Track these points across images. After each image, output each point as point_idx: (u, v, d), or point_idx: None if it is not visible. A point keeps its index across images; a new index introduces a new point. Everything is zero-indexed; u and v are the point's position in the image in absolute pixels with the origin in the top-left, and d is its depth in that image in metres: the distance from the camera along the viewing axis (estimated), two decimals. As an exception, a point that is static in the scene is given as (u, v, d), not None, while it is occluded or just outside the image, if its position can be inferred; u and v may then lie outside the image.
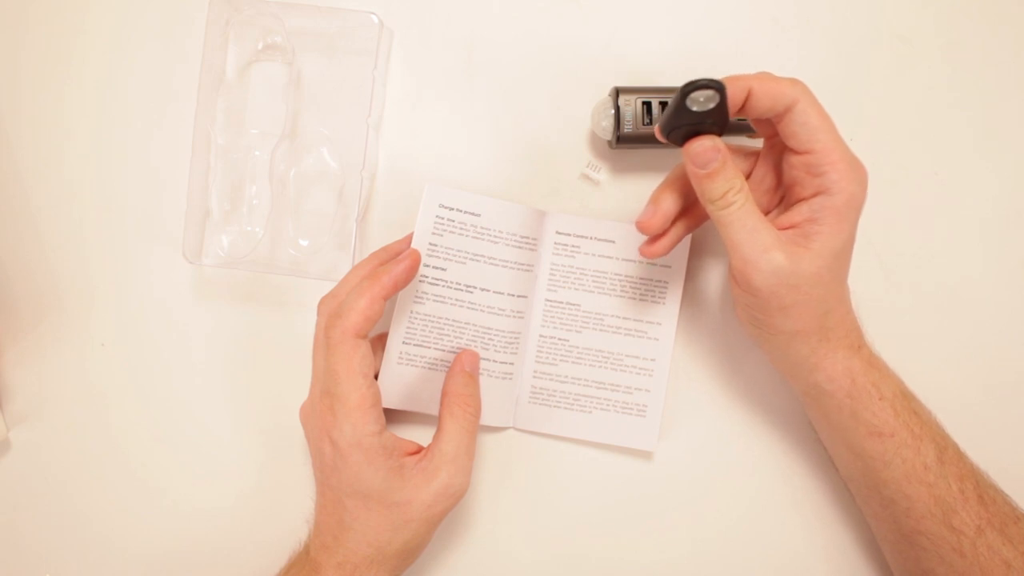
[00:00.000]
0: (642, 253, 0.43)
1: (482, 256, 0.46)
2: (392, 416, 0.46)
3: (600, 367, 0.48)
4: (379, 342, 0.46)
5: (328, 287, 0.44)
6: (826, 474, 0.48)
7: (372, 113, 0.47)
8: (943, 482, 0.40)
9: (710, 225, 0.46)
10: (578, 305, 0.48)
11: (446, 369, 0.46)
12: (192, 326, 0.50)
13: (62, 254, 0.50)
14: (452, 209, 0.45)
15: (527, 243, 0.47)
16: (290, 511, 0.48)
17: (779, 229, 0.39)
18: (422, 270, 0.45)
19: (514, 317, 0.47)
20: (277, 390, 0.49)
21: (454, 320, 0.46)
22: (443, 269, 0.45)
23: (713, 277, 0.49)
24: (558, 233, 0.48)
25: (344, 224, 0.48)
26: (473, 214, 0.45)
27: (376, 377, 0.45)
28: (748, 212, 0.37)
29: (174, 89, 0.50)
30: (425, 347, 0.46)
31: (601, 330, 0.48)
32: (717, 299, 0.49)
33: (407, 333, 0.45)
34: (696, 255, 0.49)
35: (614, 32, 0.49)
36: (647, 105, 0.45)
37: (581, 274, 0.48)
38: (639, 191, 0.49)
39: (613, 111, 0.46)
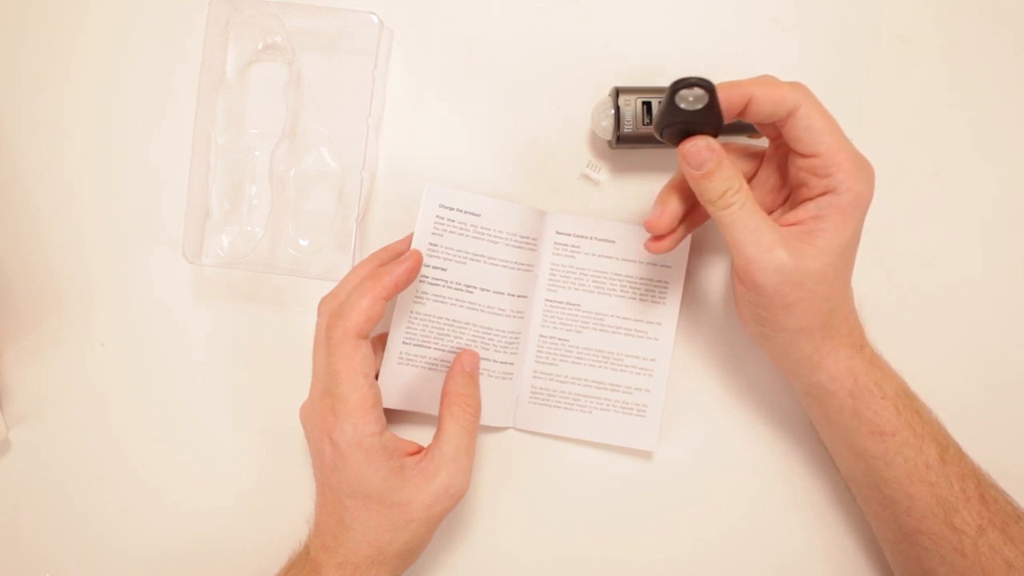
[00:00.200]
0: (647, 248, 0.43)
1: (482, 256, 0.46)
2: (392, 416, 0.46)
3: (600, 367, 0.48)
4: (379, 342, 0.46)
5: (328, 287, 0.44)
6: (826, 474, 0.48)
7: (372, 113, 0.47)
8: (945, 481, 0.40)
9: (709, 225, 0.46)
10: (578, 305, 0.48)
11: (446, 369, 0.46)
12: (192, 326, 0.50)
13: (62, 254, 0.50)
14: (452, 209, 0.45)
15: (527, 243, 0.47)
16: (290, 511, 0.48)
17: (784, 226, 0.39)
18: (422, 270, 0.45)
19: (514, 317, 0.47)
20: (277, 390, 0.49)
21: (454, 320, 0.46)
22: (443, 269, 0.45)
23: (713, 277, 0.49)
24: (558, 233, 0.48)
25: (344, 224, 0.48)
26: (473, 214, 0.45)
27: (376, 377, 0.45)
28: (749, 211, 0.37)
29: (174, 89, 0.50)
30: (425, 347, 0.46)
31: (601, 330, 0.48)
32: (717, 299, 0.49)
33: (407, 333, 0.45)
34: (696, 255, 0.49)
35: (614, 32, 0.49)
36: (647, 105, 0.45)
37: (581, 274, 0.48)
38: (639, 191, 0.49)
39: (613, 111, 0.46)
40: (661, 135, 0.38)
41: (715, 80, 0.36)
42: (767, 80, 0.38)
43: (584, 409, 0.48)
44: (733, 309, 0.49)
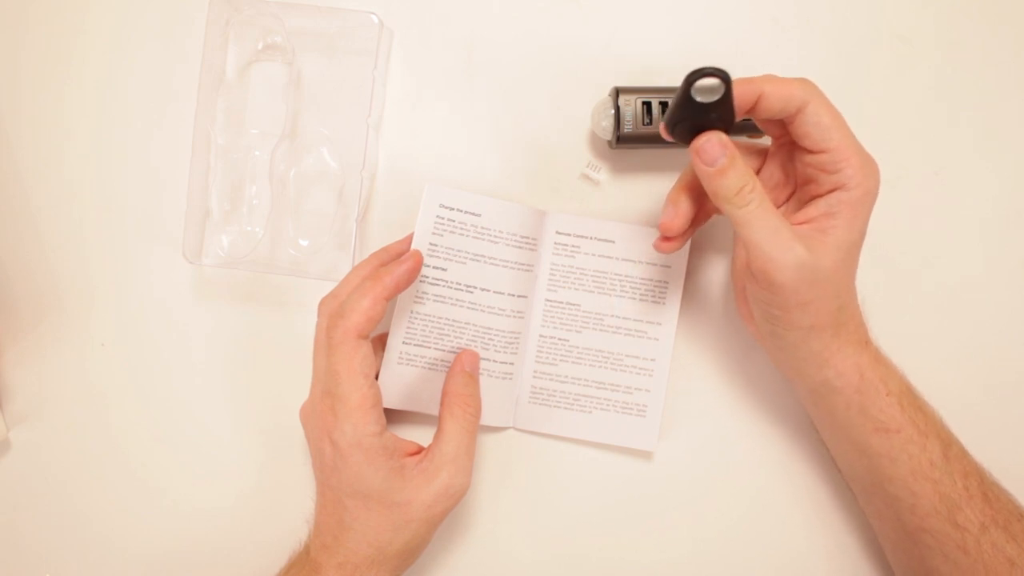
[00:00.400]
0: (657, 248, 0.43)
1: (482, 256, 0.46)
2: (392, 416, 0.46)
3: (600, 367, 0.48)
4: (379, 342, 0.46)
5: (328, 287, 0.44)
6: (827, 474, 0.48)
7: (372, 113, 0.47)
8: (948, 479, 0.40)
9: (709, 224, 0.46)
10: (578, 305, 0.48)
11: (446, 369, 0.46)
12: (192, 326, 0.50)
13: (62, 254, 0.50)
14: (452, 209, 0.45)
15: (527, 243, 0.47)
16: (290, 511, 0.48)
17: (795, 224, 0.39)
18: (422, 270, 0.45)
19: (514, 317, 0.47)
20: (277, 390, 0.49)
21: (454, 320, 0.46)
22: (443, 269, 0.45)
23: (713, 277, 0.49)
24: (558, 233, 0.48)
25: (344, 224, 0.48)
26: (473, 214, 0.45)
27: (376, 377, 0.45)
28: (766, 210, 0.37)
29: (174, 89, 0.50)
30: (425, 347, 0.46)
31: (601, 330, 0.48)
32: (717, 299, 0.49)
33: (407, 333, 0.45)
34: (696, 255, 0.49)
35: (614, 32, 0.49)
36: (647, 105, 0.45)
37: (581, 274, 0.48)
38: (639, 191, 0.49)
39: (613, 111, 0.46)
40: (672, 131, 0.38)
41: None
42: (775, 77, 0.38)
43: (584, 409, 0.48)
44: (733, 309, 0.49)
